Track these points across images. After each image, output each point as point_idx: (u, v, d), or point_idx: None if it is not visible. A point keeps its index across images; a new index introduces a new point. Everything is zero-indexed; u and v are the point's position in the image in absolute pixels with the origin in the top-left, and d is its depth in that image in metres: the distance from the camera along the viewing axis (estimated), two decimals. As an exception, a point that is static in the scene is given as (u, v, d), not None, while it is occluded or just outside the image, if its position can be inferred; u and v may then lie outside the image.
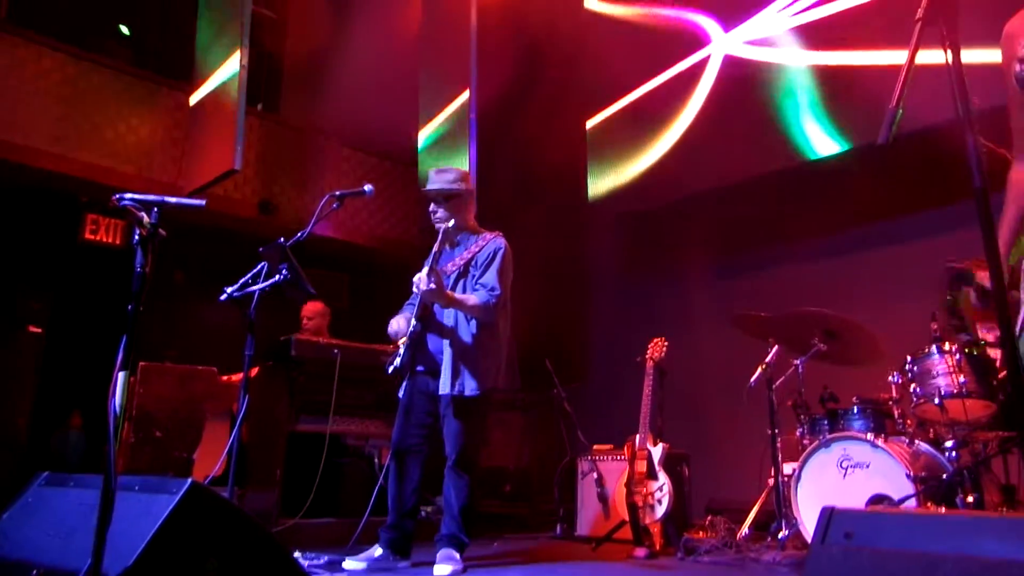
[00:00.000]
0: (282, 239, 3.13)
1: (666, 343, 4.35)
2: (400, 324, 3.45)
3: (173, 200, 1.88)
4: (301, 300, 3.21)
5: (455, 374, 3.25)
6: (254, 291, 3.14)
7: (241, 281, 3.19)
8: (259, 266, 3.20)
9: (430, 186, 3.50)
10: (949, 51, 1.44)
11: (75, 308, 6.71)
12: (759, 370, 3.97)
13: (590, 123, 7.13)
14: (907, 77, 1.38)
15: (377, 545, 3.33)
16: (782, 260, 5.83)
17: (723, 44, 5.94)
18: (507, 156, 7.27)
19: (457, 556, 3.18)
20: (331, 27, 7.36)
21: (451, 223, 3.41)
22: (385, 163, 7.72)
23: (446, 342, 3.31)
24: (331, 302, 5.53)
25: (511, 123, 7.04)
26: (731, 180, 5.73)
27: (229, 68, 5.68)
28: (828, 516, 1.06)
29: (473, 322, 3.32)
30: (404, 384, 3.47)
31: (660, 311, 6.51)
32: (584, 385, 6.33)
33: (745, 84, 5.69)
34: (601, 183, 6.90)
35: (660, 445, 4.12)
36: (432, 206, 3.47)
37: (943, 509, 3.09)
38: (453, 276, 3.41)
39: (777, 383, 3.94)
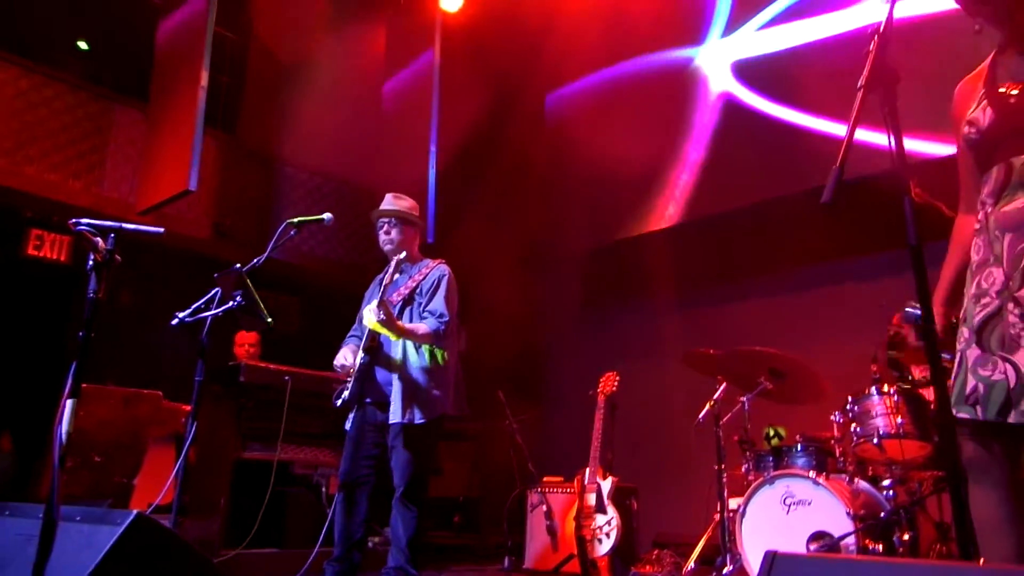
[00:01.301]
0: (239, 265, 3.10)
1: (618, 378, 4.42)
2: (347, 356, 3.44)
3: (131, 227, 1.86)
4: (255, 327, 3.18)
5: (405, 403, 3.25)
6: (207, 317, 3.10)
7: (194, 306, 3.14)
8: (213, 291, 3.17)
9: (386, 207, 3.54)
10: (888, 114, 1.53)
11: (13, 325, 6.49)
12: (707, 406, 4.05)
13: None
14: (850, 140, 1.46)
15: (323, 579, 3.29)
16: (733, 298, 5.98)
17: (707, 64, 6.11)
18: (467, 189, 7.32)
19: None
20: (294, 51, 7.37)
21: (400, 250, 3.44)
22: (343, 187, 7.70)
23: (395, 373, 3.31)
24: (282, 326, 5.48)
25: (474, 154, 7.11)
26: (685, 219, 5.88)
27: (189, 88, 5.63)
28: (771, 560, 1.10)
29: (422, 350, 3.34)
30: (352, 416, 3.45)
31: (612, 346, 6.60)
32: (536, 417, 6.35)
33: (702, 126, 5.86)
34: (559, 218, 7.00)
35: (609, 479, 4.16)
36: (385, 228, 3.50)
37: (880, 547, 3.19)
38: (399, 305, 3.43)
39: (724, 419, 4.03)
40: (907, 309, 2.08)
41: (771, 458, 3.89)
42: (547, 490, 4.73)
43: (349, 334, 3.67)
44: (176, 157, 5.63)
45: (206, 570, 2.00)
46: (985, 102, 1.86)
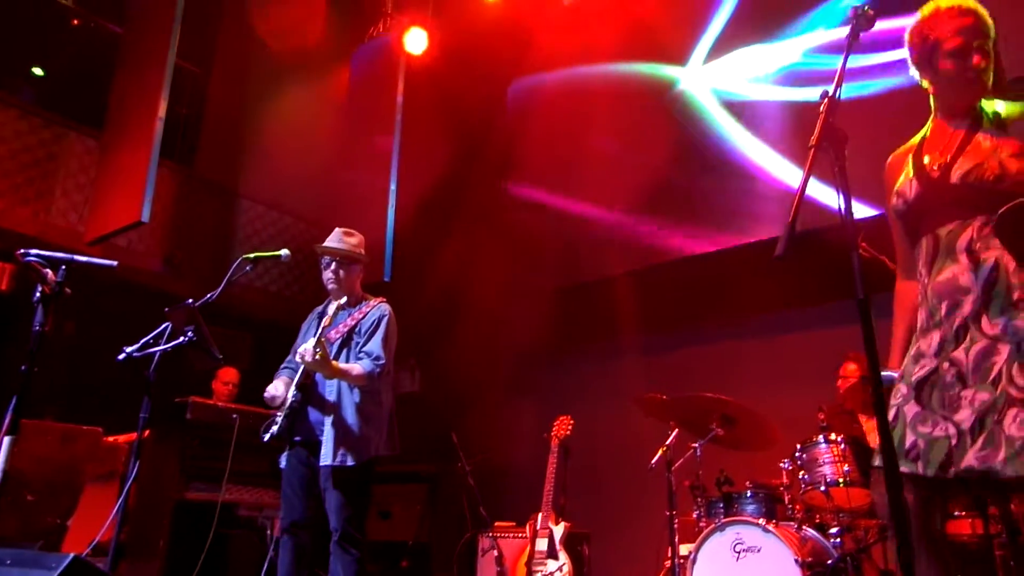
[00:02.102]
0: (191, 300, 3.05)
1: (572, 421, 4.42)
2: (279, 390, 3.37)
3: (83, 259, 1.82)
4: (205, 365, 3.10)
5: (337, 445, 3.18)
6: (155, 352, 3.03)
7: (142, 341, 3.07)
8: (163, 326, 3.10)
9: (333, 243, 3.51)
10: (837, 173, 1.60)
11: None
12: (660, 451, 4.07)
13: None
14: (801, 196, 1.52)
15: (266, 625, 3.18)
16: (686, 344, 6.06)
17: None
18: (427, 228, 7.34)
19: None
20: (256, 86, 7.35)
21: (344, 288, 3.44)
22: (300, 224, 7.64)
23: (328, 415, 3.25)
24: (233, 363, 5.36)
25: (436, 194, 7.15)
26: (642, 264, 5.96)
27: (146, 118, 5.57)
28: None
29: (356, 391, 3.28)
30: (285, 455, 3.38)
31: (567, 389, 6.62)
32: (489, 460, 6.30)
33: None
34: (518, 261, 7.05)
35: (562, 524, 4.14)
36: (333, 266, 3.47)
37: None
38: (336, 344, 3.38)
39: (676, 465, 4.05)
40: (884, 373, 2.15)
41: (722, 504, 3.92)
42: (499, 535, 4.67)
43: (282, 366, 3.60)
44: (129, 187, 5.53)
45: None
46: (912, 176, 1.96)
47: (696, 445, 4.00)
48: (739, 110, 5.61)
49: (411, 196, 6.56)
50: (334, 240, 3.53)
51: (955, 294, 1.83)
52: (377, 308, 3.44)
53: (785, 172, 5.17)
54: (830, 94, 1.61)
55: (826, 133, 1.57)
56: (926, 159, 1.97)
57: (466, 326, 7.61)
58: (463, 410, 6.90)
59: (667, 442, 4.07)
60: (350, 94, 7.25)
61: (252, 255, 3.37)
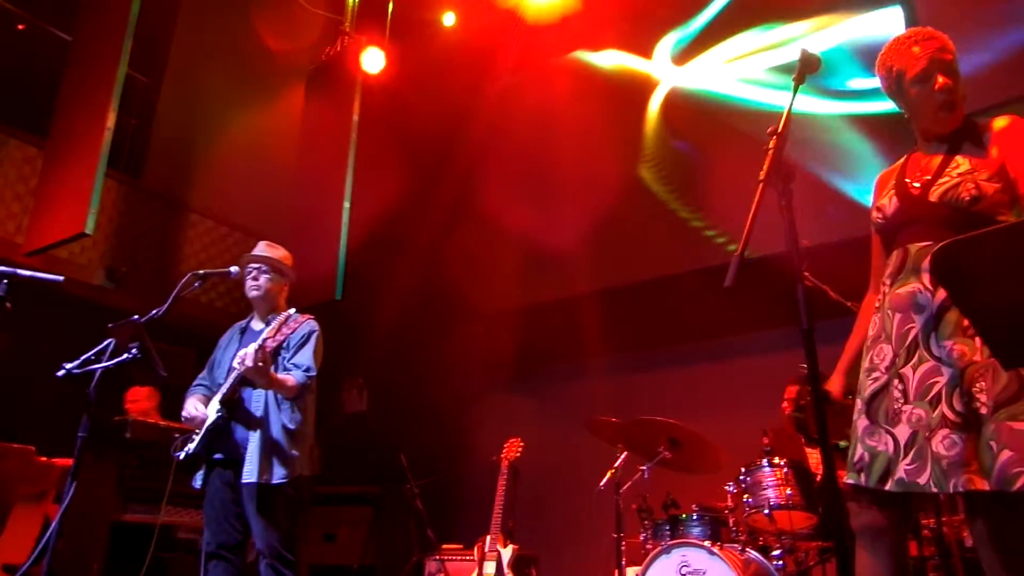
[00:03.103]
0: (137, 316, 2.97)
1: (522, 444, 4.43)
2: (199, 408, 3.27)
3: (26, 274, 1.77)
4: (149, 382, 3.03)
5: (263, 462, 3.11)
6: (96, 369, 2.94)
7: (83, 358, 2.98)
8: (105, 342, 3.02)
9: (258, 252, 3.49)
10: (784, 207, 1.67)
11: None
12: (608, 474, 4.11)
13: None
14: (750, 229, 1.58)
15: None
16: (635, 368, 6.14)
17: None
18: (381, 247, 7.31)
19: None
20: (209, 99, 7.25)
21: (267, 298, 3.42)
22: (249, 240, 7.52)
23: (254, 431, 3.18)
24: (175, 379, 5.22)
25: (391, 214, 7.13)
26: (591, 288, 6.03)
27: (93, 127, 5.43)
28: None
29: (285, 408, 3.23)
30: (201, 474, 3.29)
31: (517, 412, 6.62)
32: (438, 482, 6.26)
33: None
34: (468, 282, 7.06)
35: (510, 546, 4.13)
36: (255, 274, 3.43)
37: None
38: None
39: (624, 487, 4.09)
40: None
41: (668, 527, 3.97)
42: (446, 558, 4.63)
43: (195, 383, 3.50)
44: (73, 198, 5.37)
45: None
46: (893, 191, 2.04)
47: (644, 468, 4.05)
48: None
49: (365, 215, 6.53)
50: (259, 250, 3.51)
51: (910, 310, 1.89)
52: (307, 324, 3.40)
53: (739, 199, 5.31)
54: (778, 131, 1.68)
55: (775, 168, 1.64)
56: (908, 178, 2.04)
57: (417, 347, 7.58)
58: (412, 431, 6.85)
59: (615, 465, 4.12)
60: (305, 111, 7.20)
61: (201, 271, 3.32)
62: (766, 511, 3.47)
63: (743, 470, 3.69)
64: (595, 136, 6.34)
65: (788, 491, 3.47)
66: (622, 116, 6.30)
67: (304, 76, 7.34)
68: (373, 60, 6.77)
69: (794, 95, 1.74)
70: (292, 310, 3.35)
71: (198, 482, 3.28)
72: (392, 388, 7.61)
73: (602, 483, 4.10)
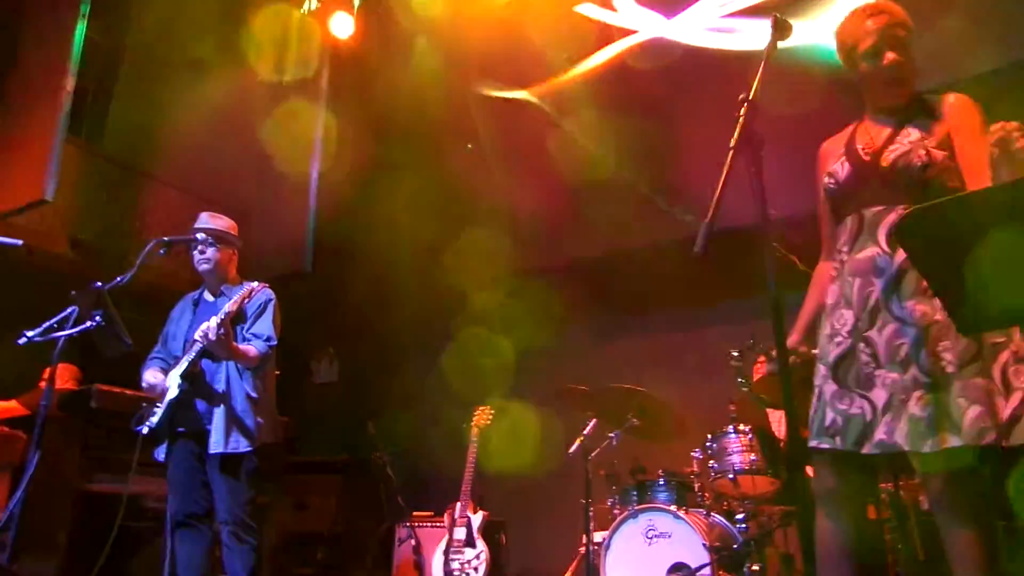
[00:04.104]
0: (99, 283, 2.92)
1: (492, 412, 4.46)
2: (158, 378, 3.28)
3: (-14, 236, 1.73)
4: (114, 351, 2.98)
5: (228, 432, 3.13)
6: (59, 337, 2.89)
7: (45, 325, 2.93)
8: (68, 310, 2.97)
9: (202, 224, 3.46)
10: (754, 175, 1.69)
11: None
12: (578, 441, 4.16)
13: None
14: (720, 197, 1.59)
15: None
16: (605, 337, 6.19)
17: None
18: (349, 216, 7.24)
19: None
20: (172, 65, 7.05)
21: (217, 270, 3.41)
22: (215, 209, 7.35)
23: (217, 404, 3.19)
24: (140, 349, 5.14)
25: (360, 184, 7.05)
26: (562, 260, 6.05)
27: (51, 91, 5.27)
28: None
29: (247, 377, 3.25)
30: (163, 447, 3.29)
31: (487, 380, 6.65)
32: (407, 450, 6.28)
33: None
34: (440, 251, 7.02)
35: (480, 513, 4.18)
36: (200, 247, 3.41)
37: (733, 578, 3.38)
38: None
39: (593, 454, 4.15)
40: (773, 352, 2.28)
41: (635, 492, 4.05)
42: (416, 524, 4.67)
43: (151, 356, 3.49)
44: (32, 164, 5.23)
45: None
46: (844, 158, 2.08)
47: (613, 435, 4.11)
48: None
49: (335, 185, 6.45)
50: (202, 222, 3.48)
51: (870, 274, 1.93)
52: (263, 292, 3.39)
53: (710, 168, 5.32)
54: (749, 98, 1.69)
55: (745, 136, 1.65)
56: (859, 145, 2.08)
57: (386, 317, 7.55)
58: (382, 401, 6.86)
59: (584, 432, 4.17)
60: (272, 77, 7.05)
61: (166, 238, 3.28)
62: (731, 476, 3.56)
63: (709, 437, 3.77)
64: (571, 100, 6.29)
65: (752, 456, 3.55)
66: (597, 77, 6.24)
67: (271, 41, 7.17)
68: (342, 25, 6.64)
69: (765, 62, 1.75)
70: (254, 283, 3.33)
71: (161, 455, 3.28)
72: (362, 358, 7.59)
73: (571, 450, 4.16)
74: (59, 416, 4.12)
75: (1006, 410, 1.71)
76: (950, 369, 1.77)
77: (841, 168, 2.07)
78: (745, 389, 2.77)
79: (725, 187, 1.60)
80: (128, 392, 4.18)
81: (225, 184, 6.99)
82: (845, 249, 2.04)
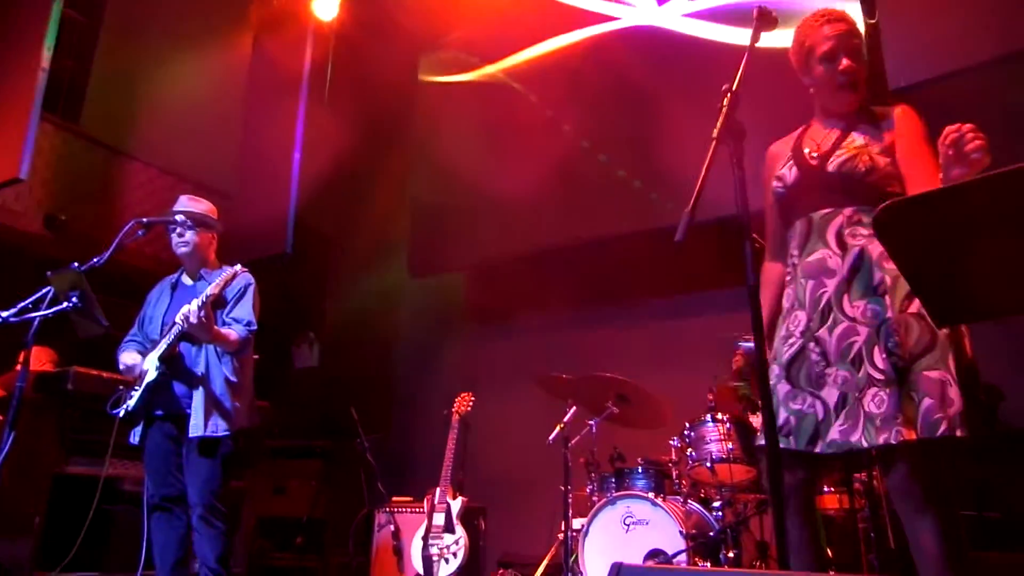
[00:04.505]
0: (76, 264, 2.89)
1: (472, 398, 4.47)
2: (135, 360, 3.26)
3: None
4: (90, 332, 2.95)
5: (207, 415, 3.12)
6: (34, 318, 2.86)
7: (19, 306, 2.89)
8: (44, 290, 2.93)
9: (181, 207, 3.42)
10: (735, 166, 1.70)
11: None
12: (557, 428, 4.19)
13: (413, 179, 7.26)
14: (702, 185, 1.60)
15: (150, 604, 3.10)
16: (585, 325, 6.22)
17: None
18: (333, 200, 7.20)
19: None
20: (151, 42, 6.93)
21: (196, 253, 3.38)
22: (196, 190, 7.27)
23: (197, 387, 3.18)
24: (118, 331, 5.09)
25: (343, 166, 7.00)
26: (546, 245, 6.05)
27: (26, 68, 5.17)
28: (616, 570, 1.19)
29: (226, 361, 3.24)
30: (138, 430, 3.26)
31: (468, 366, 6.66)
32: (388, 436, 6.28)
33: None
34: (420, 244, 7.01)
35: (459, 498, 4.20)
36: (179, 230, 3.38)
37: (708, 564, 3.42)
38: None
39: (573, 441, 4.18)
40: (743, 343, 2.31)
41: (614, 480, 4.08)
42: (396, 510, 4.68)
43: (127, 339, 3.46)
44: (6, 142, 5.13)
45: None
46: (792, 162, 2.13)
47: (592, 423, 4.14)
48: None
49: (317, 166, 6.39)
50: (181, 205, 3.45)
51: (821, 275, 1.98)
52: (242, 277, 3.36)
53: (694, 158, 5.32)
54: (732, 89, 1.69)
55: (727, 126, 1.66)
56: (806, 150, 2.14)
57: (368, 301, 7.52)
58: (363, 386, 6.84)
59: (564, 419, 4.19)
60: (254, 57, 6.97)
61: (145, 219, 3.24)
62: (708, 464, 3.59)
63: (687, 425, 3.81)
64: (554, 86, 6.27)
65: (729, 445, 3.59)
66: (582, 63, 6.22)
67: (253, 20, 7.09)
68: (325, 6, 6.57)
69: (749, 52, 1.76)
70: (237, 266, 3.30)
71: (135, 438, 3.26)
72: (343, 344, 7.56)
73: (551, 437, 4.18)
74: (35, 398, 4.08)
75: (958, 402, 1.76)
76: (902, 364, 1.81)
77: (789, 172, 2.12)
78: (734, 384, 2.82)
79: (707, 177, 1.61)
80: (105, 375, 4.14)
81: (205, 164, 6.91)
82: (796, 253, 2.09)
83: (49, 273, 2.94)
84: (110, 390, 3.95)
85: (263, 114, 6.61)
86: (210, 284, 3.17)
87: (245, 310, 3.30)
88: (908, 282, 1.57)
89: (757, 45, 1.82)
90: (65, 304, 2.87)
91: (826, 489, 3.78)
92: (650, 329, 5.76)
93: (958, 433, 1.74)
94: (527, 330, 6.52)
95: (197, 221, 3.39)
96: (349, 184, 7.54)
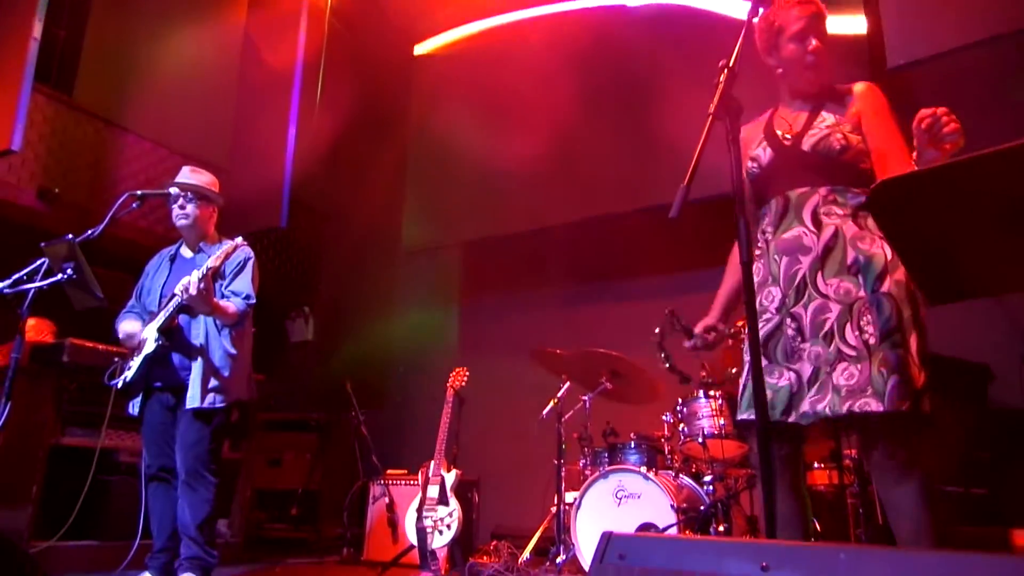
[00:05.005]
0: (71, 235, 2.88)
1: (467, 373, 4.50)
2: (135, 327, 3.25)
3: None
4: (85, 304, 2.94)
5: (205, 387, 3.13)
6: (29, 289, 2.86)
7: (14, 277, 2.89)
8: (38, 262, 2.93)
9: (183, 180, 3.39)
10: (731, 142, 1.69)
11: None
12: (551, 403, 4.22)
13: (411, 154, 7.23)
14: (697, 161, 1.61)
15: (146, 573, 3.13)
16: (581, 302, 6.24)
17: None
18: (328, 173, 7.17)
19: None
20: (145, 14, 6.85)
21: (197, 226, 3.36)
22: (190, 163, 7.23)
23: (195, 359, 3.18)
24: (113, 305, 5.09)
25: (338, 141, 6.97)
26: (542, 224, 6.05)
27: (18, 38, 5.11)
28: (606, 540, 1.21)
29: (224, 334, 3.24)
30: (137, 401, 3.26)
31: (463, 341, 6.70)
32: (382, 410, 6.32)
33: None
34: (420, 211, 6.99)
35: (453, 471, 4.23)
36: (180, 202, 3.36)
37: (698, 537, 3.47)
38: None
39: (566, 416, 4.21)
40: (671, 317, 2.40)
41: (607, 454, 4.13)
42: (390, 482, 4.73)
43: (125, 310, 3.45)
44: (-2, 113, 5.09)
45: (16, 557, 1.86)
46: (765, 143, 2.17)
47: (585, 398, 4.17)
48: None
49: (313, 140, 6.36)
50: (183, 177, 3.42)
51: (796, 252, 2.02)
52: (242, 250, 3.35)
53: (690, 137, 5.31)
54: (729, 65, 1.69)
55: (724, 103, 1.66)
56: (778, 131, 2.18)
57: (363, 276, 7.53)
58: (358, 360, 6.87)
59: (558, 395, 4.23)
60: (249, 30, 6.89)
61: (139, 192, 3.23)
62: (700, 439, 3.63)
63: (680, 401, 3.84)
64: (549, 62, 6.23)
65: (721, 421, 3.63)
66: (578, 40, 6.17)
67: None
68: (321, -21, 6.49)
69: (746, 28, 1.76)
70: (238, 239, 3.29)
71: (134, 409, 3.26)
72: (338, 318, 7.58)
73: (544, 412, 4.22)
74: (31, 369, 4.09)
75: (920, 379, 1.83)
76: (872, 341, 1.87)
77: (764, 153, 2.16)
78: (667, 366, 2.90)
79: (703, 154, 1.61)
80: (100, 347, 4.15)
81: (199, 137, 6.87)
82: (770, 229, 2.13)
83: (43, 244, 2.93)
84: (106, 362, 3.98)
85: (257, 87, 6.56)
86: (210, 257, 3.17)
87: (244, 283, 3.29)
88: (902, 260, 1.58)
89: (755, 21, 1.82)
90: (60, 276, 2.86)
91: (816, 465, 3.83)
92: (645, 306, 5.77)
93: (923, 408, 1.82)
94: (522, 306, 6.54)
95: (198, 194, 3.37)
96: (345, 159, 7.52)
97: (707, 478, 3.74)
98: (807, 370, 1.94)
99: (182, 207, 3.35)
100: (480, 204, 6.44)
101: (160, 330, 3.14)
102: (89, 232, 3.03)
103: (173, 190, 3.34)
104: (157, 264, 3.52)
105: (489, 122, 6.41)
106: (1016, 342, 3.92)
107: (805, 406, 1.92)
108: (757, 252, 2.17)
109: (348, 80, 6.92)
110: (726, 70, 1.69)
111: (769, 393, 2.00)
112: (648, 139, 5.45)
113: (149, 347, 3.13)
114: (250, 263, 3.36)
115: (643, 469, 3.69)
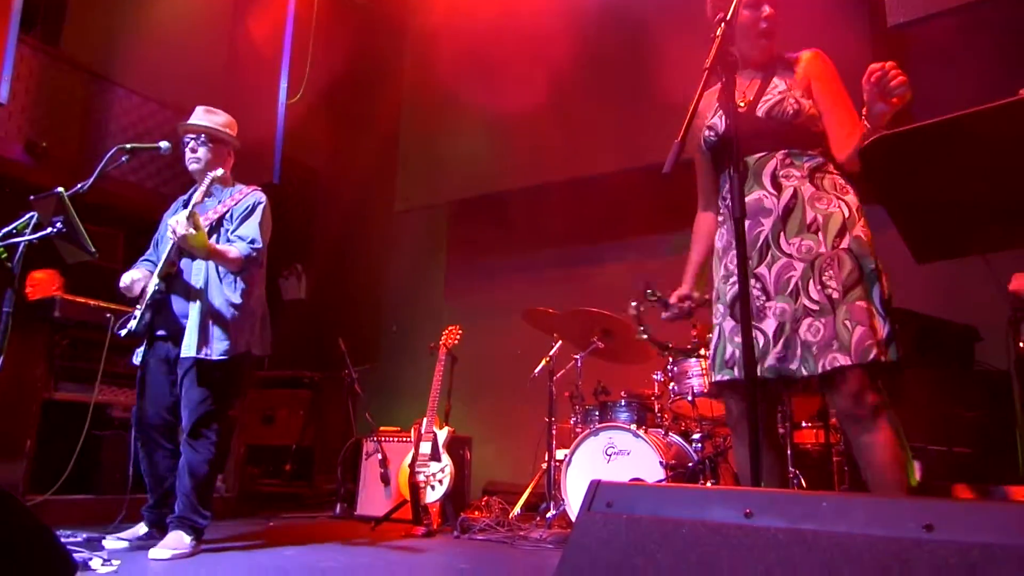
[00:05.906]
0: (60, 188, 2.85)
1: (460, 331, 4.52)
2: (133, 277, 3.15)
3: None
4: (76, 258, 2.92)
5: (201, 336, 2.99)
6: (19, 243, 2.84)
7: (3, 231, 2.86)
8: (28, 215, 2.90)
9: (195, 121, 3.28)
10: (726, 98, 1.68)
11: None
12: (543, 362, 4.25)
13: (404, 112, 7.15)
14: (691, 116, 1.60)
15: (142, 523, 3.15)
16: (574, 261, 6.25)
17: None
18: (321, 129, 7.10)
19: (187, 540, 2.92)
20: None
21: (208, 170, 3.20)
22: (180, 117, 7.13)
23: (193, 303, 3.04)
24: (104, 260, 5.07)
25: (332, 95, 6.88)
26: (535, 182, 6.01)
27: (1, -13, 4.99)
28: (594, 488, 1.23)
29: (228, 281, 3.10)
30: (141, 350, 3.16)
31: (456, 300, 6.71)
32: (375, 367, 6.35)
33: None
34: (413, 169, 6.93)
35: (446, 428, 4.28)
36: (192, 145, 3.25)
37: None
38: (205, 229, 3.05)
39: (558, 375, 4.25)
40: (647, 292, 2.43)
41: (597, 412, 4.17)
42: (383, 439, 4.77)
43: (142, 259, 3.35)
44: (-17, 64, 4.99)
45: (14, 509, 1.87)
46: (721, 112, 2.17)
47: (577, 357, 4.20)
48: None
49: (306, 97, 6.27)
50: (196, 118, 3.30)
51: (758, 215, 2.05)
52: (252, 194, 3.24)
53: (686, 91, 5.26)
54: (727, 18, 1.67)
55: (720, 58, 1.64)
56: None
57: (356, 234, 7.51)
58: (351, 318, 6.89)
59: (550, 354, 4.26)
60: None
61: (129, 146, 3.16)
62: (689, 398, 3.67)
63: (670, 360, 3.87)
64: (544, 20, 6.13)
65: (711, 380, 3.66)
66: None
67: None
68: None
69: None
70: (254, 186, 3.23)
71: (136, 358, 3.19)
72: (331, 276, 7.58)
73: (536, 370, 4.25)
74: (22, 323, 4.09)
75: (883, 329, 1.88)
76: (836, 295, 1.91)
77: (720, 121, 2.17)
78: (645, 336, 2.94)
79: (697, 107, 1.60)
80: (91, 302, 4.14)
81: (192, 92, 6.75)
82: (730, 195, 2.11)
83: (32, 198, 2.90)
84: (97, 317, 3.99)
85: (249, 40, 6.44)
86: (220, 201, 3.09)
87: (251, 228, 3.15)
88: (891, 216, 1.59)
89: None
90: (49, 229, 2.83)
91: (803, 424, 3.89)
92: (638, 266, 5.79)
93: (888, 357, 1.86)
94: (515, 265, 6.54)
95: (211, 136, 3.24)
96: (338, 115, 7.43)
97: (696, 436, 3.80)
98: (772, 326, 1.98)
99: (193, 150, 3.24)
100: (474, 162, 6.39)
101: (160, 275, 3.06)
102: (79, 186, 2.99)
103: (164, 144, 3.24)
104: (173, 211, 3.37)
105: (483, 80, 6.33)
106: (1003, 303, 3.95)
107: (771, 360, 1.97)
108: (720, 218, 2.21)
109: (341, 35, 6.80)
110: (723, 24, 1.68)
111: (736, 352, 2.04)
112: (644, 97, 5.40)
113: (149, 293, 3.05)
114: (260, 208, 3.21)
115: (633, 427, 3.74)
